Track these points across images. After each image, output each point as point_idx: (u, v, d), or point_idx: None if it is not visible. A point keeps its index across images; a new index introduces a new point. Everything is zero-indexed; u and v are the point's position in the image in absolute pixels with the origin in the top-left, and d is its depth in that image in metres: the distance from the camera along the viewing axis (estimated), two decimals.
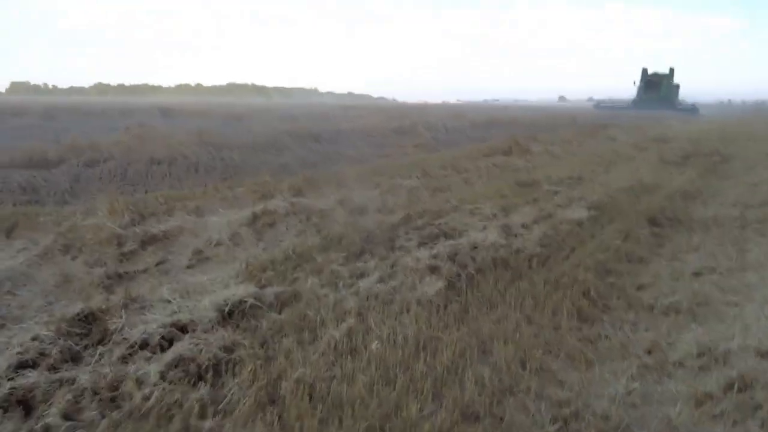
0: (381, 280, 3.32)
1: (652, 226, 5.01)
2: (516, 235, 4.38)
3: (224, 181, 7.41)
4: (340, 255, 3.82)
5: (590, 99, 55.52)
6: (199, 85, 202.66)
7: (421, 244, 4.11)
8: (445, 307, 2.94)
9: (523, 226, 4.66)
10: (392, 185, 6.95)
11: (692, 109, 45.60)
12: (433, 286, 3.15)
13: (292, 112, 21.70)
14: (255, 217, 4.90)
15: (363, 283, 3.25)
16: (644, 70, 51.73)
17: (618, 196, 6.30)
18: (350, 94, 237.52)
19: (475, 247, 3.95)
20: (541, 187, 6.91)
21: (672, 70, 51.43)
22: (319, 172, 8.54)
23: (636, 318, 3.00)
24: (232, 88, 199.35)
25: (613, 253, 4.02)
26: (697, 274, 3.70)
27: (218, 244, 4.35)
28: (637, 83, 51.60)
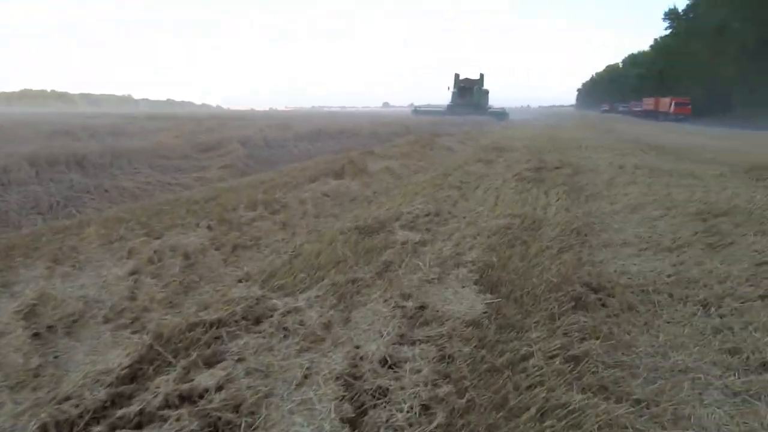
0: None
1: (581, 313, 3.03)
2: (376, 402, 2.04)
3: None
4: None
5: (411, 105, 56.52)
6: None
7: None
8: None
9: (386, 363, 2.34)
10: (160, 249, 4.25)
11: (503, 113, 48.21)
12: None
13: (74, 124, 17.28)
14: None
15: None
16: (456, 76, 53.78)
17: (502, 247, 4.34)
18: (169, 101, 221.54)
19: None
20: (393, 235, 4.73)
21: (482, 76, 54.09)
22: (54, 224, 5.46)
23: None
24: (27, 95, 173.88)
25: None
26: None
27: None
28: (451, 88, 53.43)
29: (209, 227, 5.03)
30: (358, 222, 5.25)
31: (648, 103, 56.64)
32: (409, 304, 3.02)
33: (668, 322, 2.98)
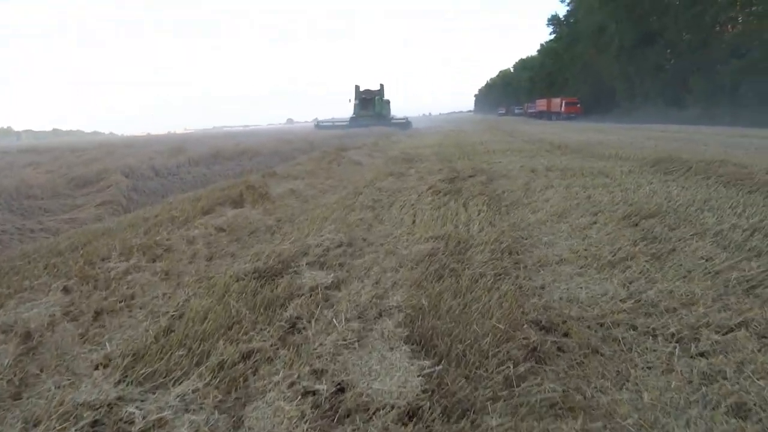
0: None
1: (541, 371, 2.40)
2: None
3: None
4: None
5: (315, 120, 55.52)
6: None
7: None
8: None
9: None
10: None
11: (406, 123, 48.34)
12: None
13: None
14: None
15: None
16: (357, 87, 53.30)
17: (429, 282, 3.67)
18: (56, 131, 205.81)
19: None
20: (300, 278, 3.93)
21: (382, 86, 53.94)
22: None
23: None
24: None
25: None
26: None
27: None
28: (353, 100, 52.98)
29: (66, 289, 3.98)
30: (257, 262, 4.41)
31: (541, 104, 59.41)
32: (323, 386, 2.26)
33: (645, 369, 2.41)
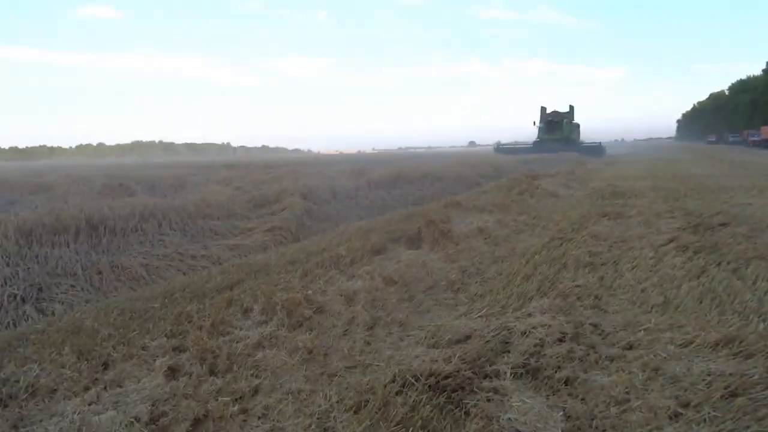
0: None
1: None
2: None
3: None
4: None
5: (496, 143, 52.45)
6: (101, 145, 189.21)
7: None
8: None
9: None
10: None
11: (599, 148, 43.41)
12: None
13: (135, 176, 16.36)
14: None
15: None
16: (543, 109, 49.23)
17: None
18: (264, 147, 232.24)
19: None
20: (503, 406, 2.35)
21: (572, 108, 49.35)
22: None
23: None
24: (138, 146, 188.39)
25: None
26: None
27: None
28: (538, 123, 49.13)
29: (172, 369, 2.88)
30: (434, 351, 2.97)
31: (767, 131, 50.23)
32: None
33: None
